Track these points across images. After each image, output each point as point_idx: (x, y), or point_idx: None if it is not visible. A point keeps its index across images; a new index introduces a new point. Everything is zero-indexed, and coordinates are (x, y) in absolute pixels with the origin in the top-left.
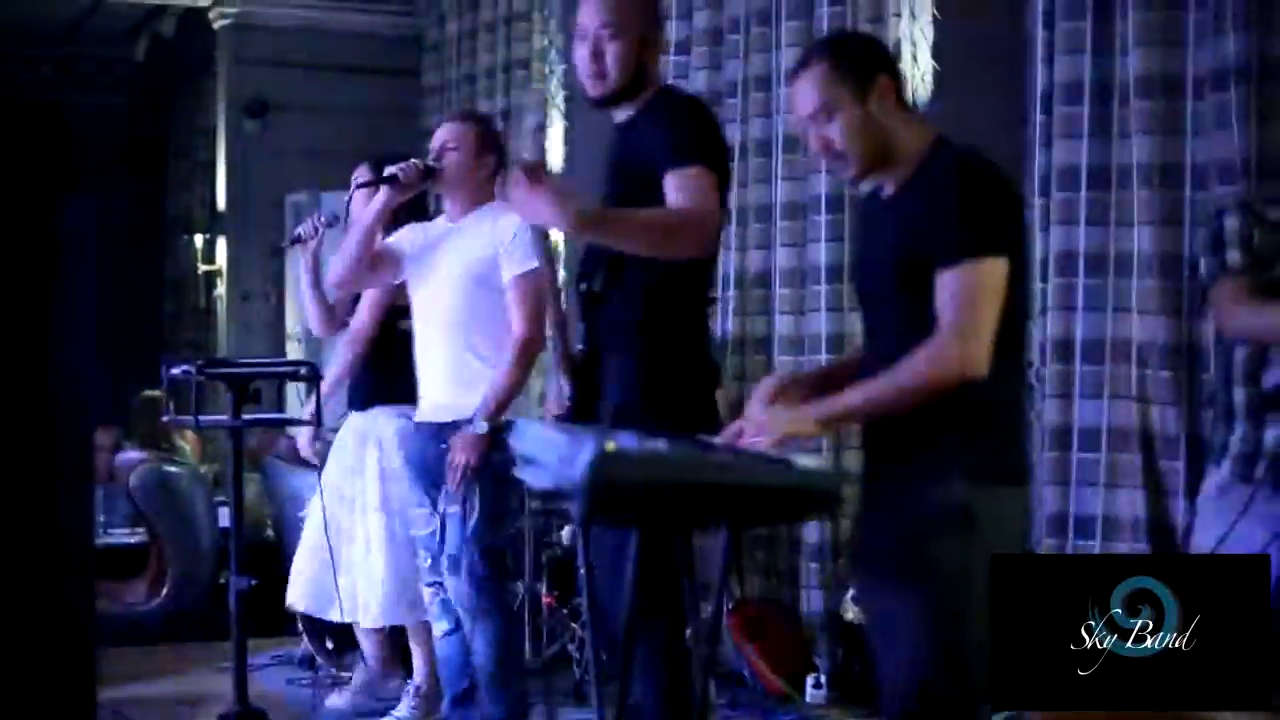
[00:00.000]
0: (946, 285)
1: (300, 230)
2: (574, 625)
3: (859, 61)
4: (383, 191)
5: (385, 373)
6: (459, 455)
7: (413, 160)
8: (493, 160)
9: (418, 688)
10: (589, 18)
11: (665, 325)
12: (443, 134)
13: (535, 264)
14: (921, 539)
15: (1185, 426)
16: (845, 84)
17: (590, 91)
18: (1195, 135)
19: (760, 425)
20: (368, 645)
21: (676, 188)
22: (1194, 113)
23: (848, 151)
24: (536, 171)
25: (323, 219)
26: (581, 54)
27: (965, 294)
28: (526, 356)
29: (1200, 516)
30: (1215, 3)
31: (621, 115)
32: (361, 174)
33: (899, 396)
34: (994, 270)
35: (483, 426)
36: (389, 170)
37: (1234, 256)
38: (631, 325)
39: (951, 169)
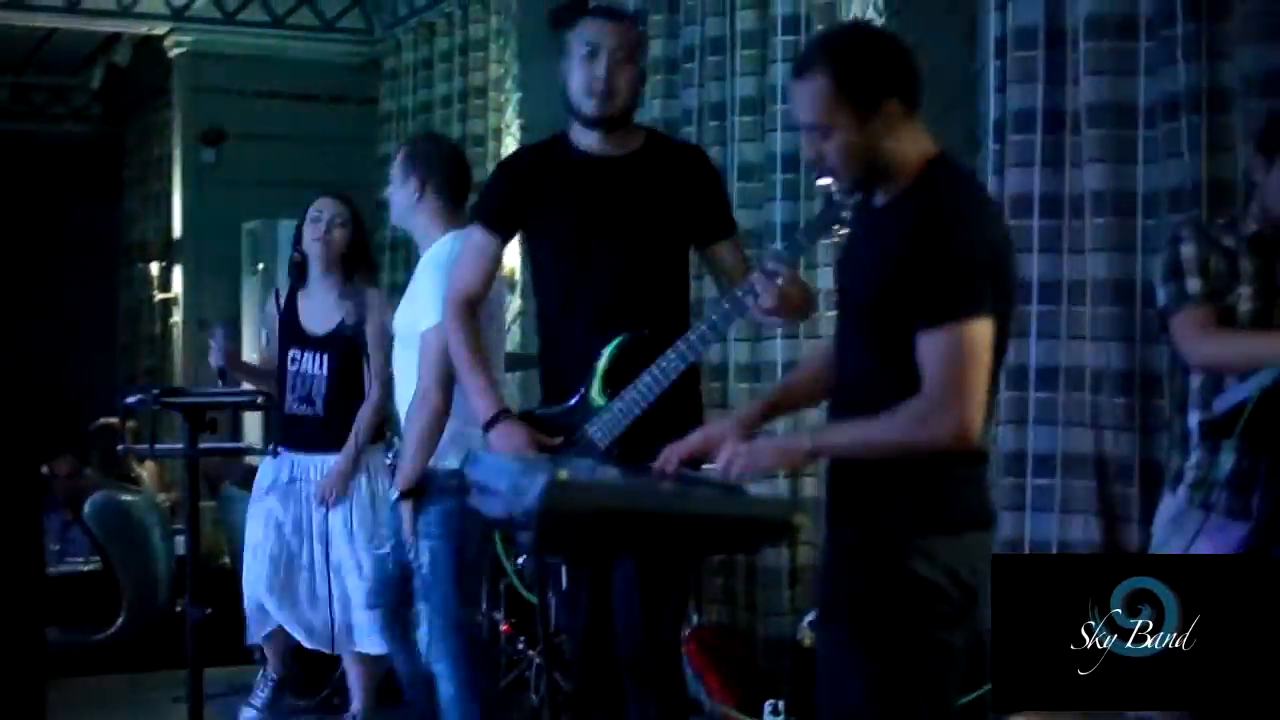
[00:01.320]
0: (932, 347)
1: (218, 359)
2: (530, 653)
3: (866, 83)
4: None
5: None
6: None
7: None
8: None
9: (354, 716)
10: (606, 38)
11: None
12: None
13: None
14: (869, 590)
15: (1139, 452)
16: (846, 106)
17: (595, 110)
18: (1147, 163)
19: (745, 456)
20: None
21: (739, 251)
22: (1145, 141)
23: (840, 171)
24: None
25: (219, 334)
26: (593, 71)
27: (952, 359)
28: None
29: (1156, 542)
30: (1165, 33)
31: (608, 148)
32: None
33: (889, 451)
34: (980, 333)
35: (393, 494)
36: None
37: (1193, 284)
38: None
39: (939, 207)
